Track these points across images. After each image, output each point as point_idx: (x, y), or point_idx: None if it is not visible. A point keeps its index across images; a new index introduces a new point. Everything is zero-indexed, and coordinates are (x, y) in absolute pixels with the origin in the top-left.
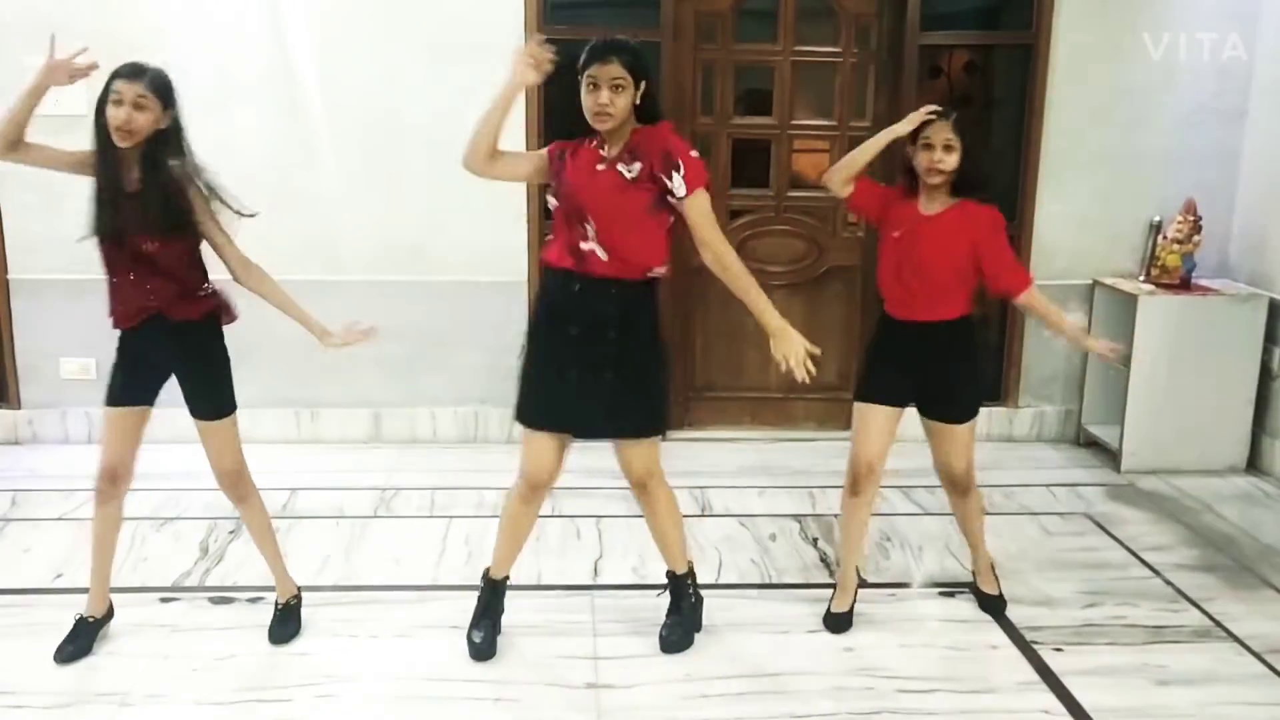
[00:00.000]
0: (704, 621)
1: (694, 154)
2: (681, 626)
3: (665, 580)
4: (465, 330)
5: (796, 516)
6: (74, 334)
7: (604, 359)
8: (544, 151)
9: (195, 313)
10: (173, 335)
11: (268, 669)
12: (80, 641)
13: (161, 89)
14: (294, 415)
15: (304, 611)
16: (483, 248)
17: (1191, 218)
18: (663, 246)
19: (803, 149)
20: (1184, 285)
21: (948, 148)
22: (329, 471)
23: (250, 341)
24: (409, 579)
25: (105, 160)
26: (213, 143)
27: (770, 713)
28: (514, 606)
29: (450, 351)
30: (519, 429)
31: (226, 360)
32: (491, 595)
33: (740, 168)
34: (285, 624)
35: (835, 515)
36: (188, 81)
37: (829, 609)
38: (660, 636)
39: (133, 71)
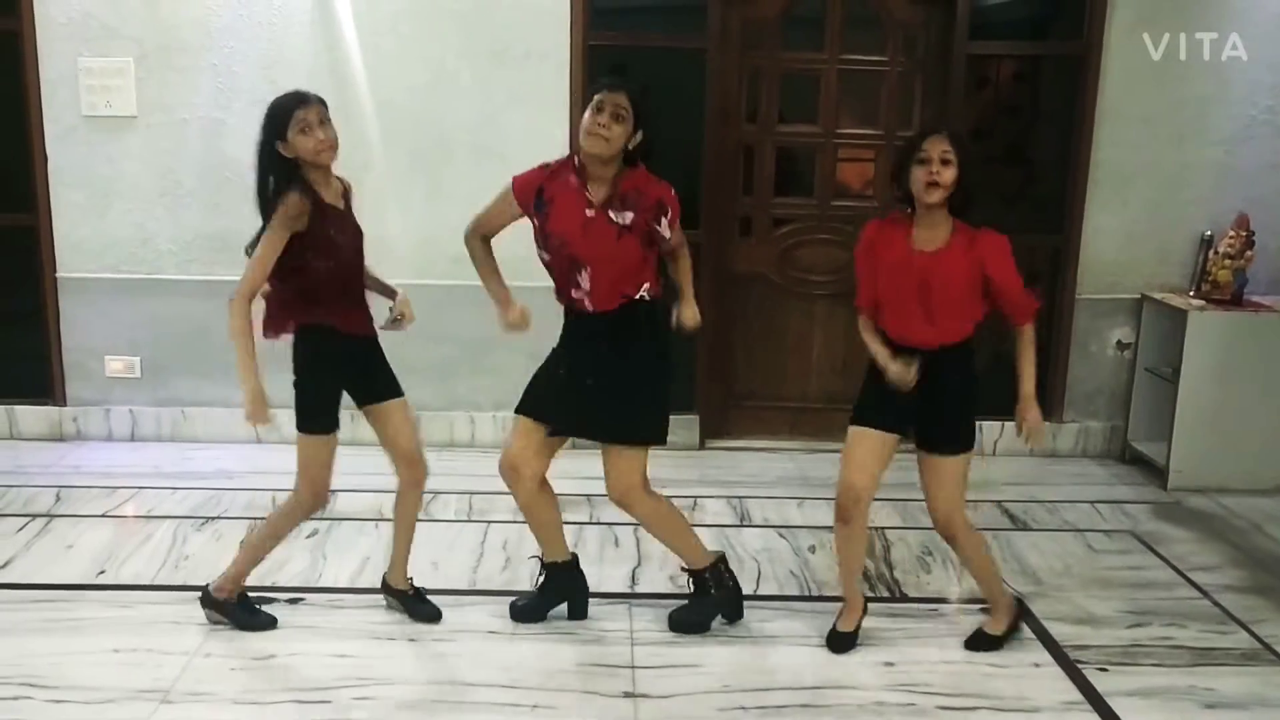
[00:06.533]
0: (744, 633)
1: (673, 192)
2: (690, 609)
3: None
4: (506, 335)
5: None
6: (120, 332)
7: (591, 365)
8: (509, 194)
9: None
10: None
11: (306, 669)
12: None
13: None
14: None
15: (342, 614)
16: (526, 252)
17: (1244, 233)
18: (653, 275)
19: (847, 158)
20: (1235, 301)
21: (945, 161)
22: (368, 474)
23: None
24: (447, 583)
25: None
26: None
27: None
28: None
29: (490, 356)
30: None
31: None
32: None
33: (785, 176)
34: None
35: (875, 528)
36: (235, 83)
37: (834, 626)
38: (669, 614)
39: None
